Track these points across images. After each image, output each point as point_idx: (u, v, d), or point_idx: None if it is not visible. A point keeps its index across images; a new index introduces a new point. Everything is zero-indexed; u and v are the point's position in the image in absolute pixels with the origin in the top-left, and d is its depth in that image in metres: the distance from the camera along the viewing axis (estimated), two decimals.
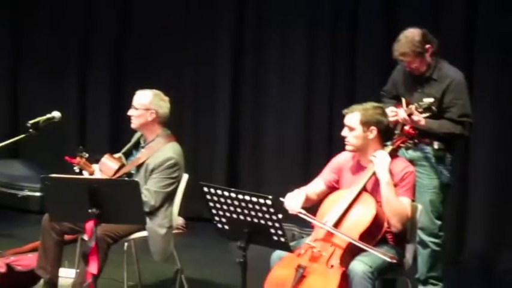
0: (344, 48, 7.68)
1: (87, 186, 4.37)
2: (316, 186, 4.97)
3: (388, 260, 4.61)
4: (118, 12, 8.29)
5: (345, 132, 4.74)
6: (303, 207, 4.82)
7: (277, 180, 7.68)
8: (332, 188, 4.96)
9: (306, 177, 5.66)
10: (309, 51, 7.83)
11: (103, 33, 8.24)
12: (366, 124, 4.70)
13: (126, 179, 5.02)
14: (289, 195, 4.84)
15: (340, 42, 7.70)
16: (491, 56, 6.90)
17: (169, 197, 5.08)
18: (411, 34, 5.45)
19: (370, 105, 4.83)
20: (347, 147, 4.79)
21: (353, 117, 4.75)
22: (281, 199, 4.76)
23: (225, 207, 4.33)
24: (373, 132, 4.67)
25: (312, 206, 4.98)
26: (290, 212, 4.82)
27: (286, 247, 4.40)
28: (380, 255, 4.57)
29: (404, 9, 7.37)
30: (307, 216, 4.76)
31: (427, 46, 5.40)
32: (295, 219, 5.00)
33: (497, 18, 6.90)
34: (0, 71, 8.55)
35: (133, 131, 5.38)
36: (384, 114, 4.85)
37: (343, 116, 4.82)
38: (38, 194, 8.03)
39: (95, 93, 8.33)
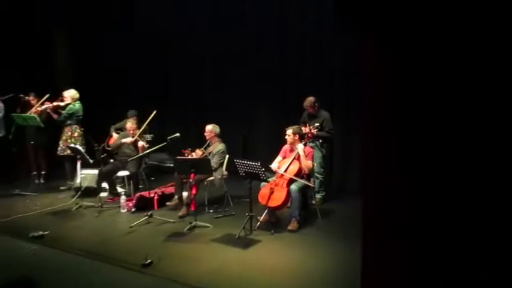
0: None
1: None
2: (279, 159, 7.62)
3: (308, 183, 7.22)
4: None
5: (288, 137, 7.61)
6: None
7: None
8: (284, 158, 7.68)
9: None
10: None
11: None
12: (295, 134, 7.64)
13: None
14: (273, 163, 7.47)
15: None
16: (341, 95, 9.78)
17: None
18: (311, 98, 8.49)
19: (295, 126, 7.70)
20: (288, 142, 7.69)
21: (290, 131, 7.61)
22: (270, 166, 7.44)
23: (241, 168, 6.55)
24: (297, 137, 7.63)
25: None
26: (274, 171, 7.41)
27: (265, 181, 7.15)
28: (304, 181, 7.19)
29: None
30: (278, 171, 7.30)
31: (316, 104, 8.57)
32: (268, 170, 7.35)
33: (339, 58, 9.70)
34: None
35: None
36: (300, 129, 7.76)
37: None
38: None
39: None
